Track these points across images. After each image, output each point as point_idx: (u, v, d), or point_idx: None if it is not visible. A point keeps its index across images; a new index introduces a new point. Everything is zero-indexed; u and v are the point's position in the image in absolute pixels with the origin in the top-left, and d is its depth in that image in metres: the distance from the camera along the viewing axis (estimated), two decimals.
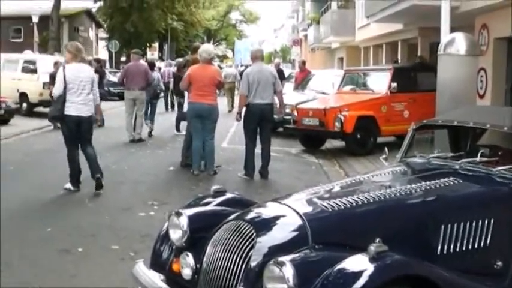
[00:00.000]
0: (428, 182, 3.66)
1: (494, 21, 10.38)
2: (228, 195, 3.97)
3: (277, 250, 2.95)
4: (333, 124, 11.03)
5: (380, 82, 11.87)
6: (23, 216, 6.40)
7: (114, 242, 5.48)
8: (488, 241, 3.52)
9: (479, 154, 4.02)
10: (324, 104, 11.82)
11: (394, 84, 11.32)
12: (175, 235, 3.49)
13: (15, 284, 4.49)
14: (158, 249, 3.66)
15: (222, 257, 3.12)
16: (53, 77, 11.45)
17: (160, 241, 3.68)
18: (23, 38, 36.52)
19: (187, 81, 8.72)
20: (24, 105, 17.84)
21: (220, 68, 22.76)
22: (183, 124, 11.61)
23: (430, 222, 3.40)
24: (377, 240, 2.83)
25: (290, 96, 13.54)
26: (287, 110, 11.88)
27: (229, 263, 3.07)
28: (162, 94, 16.64)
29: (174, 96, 16.72)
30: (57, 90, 7.38)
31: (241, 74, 15.42)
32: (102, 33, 44.87)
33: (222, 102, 15.15)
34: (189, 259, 3.31)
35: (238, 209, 3.57)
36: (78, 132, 7.49)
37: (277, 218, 3.22)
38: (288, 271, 2.70)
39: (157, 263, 3.60)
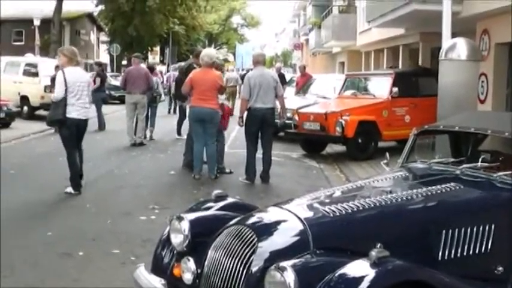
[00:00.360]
0: (429, 188, 3.66)
1: (496, 26, 10.37)
2: (230, 200, 3.98)
3: (278, 255, 2.95)
4: (334, 128, 11.02)
5: (381, 87, 11.87)
6: (23, 220, 6.39)
7: (115, 246, 5.48)
8: (489, 246, 3.52)
9: (480, 159, 4.03)
10: (325, 108, 11.81)
11: (396, 89, 11.33)
12: (177, 239, 3.49)
13: (17, 286, 4.49)
14: (159, 254, 3.66)
15: (223, 261, 3.12)
16: (54, 80, 11.47)
17: (162, 245, 3.68)
18: (25, 41, 36.61)
19: (189, 85, 8.74)
20: (25, 108, 17.84)
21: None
22: (184, 128, 11.61)
23: (431, 228, 3.40)
24: (378, 245, 2.84)
25: (291, 100, 13.50)
26: (288, 115, 11.88)
27: (230, 268, 3.07)
28: (164, 98, 16.65)
29: (176, 101, 16.73)
30: (59, 93, 7.41)
31: (242, 78, 15.46)
32: (104, 37, 45.02)
33: None
34: (190, 264, 3.31)
35: (239, 213, 3.58)
36: (76, 135, 7.60)
37: (278, 223, 3.22)
38: (289, 276, 2.70)
39: (158, 268, 3.60)
